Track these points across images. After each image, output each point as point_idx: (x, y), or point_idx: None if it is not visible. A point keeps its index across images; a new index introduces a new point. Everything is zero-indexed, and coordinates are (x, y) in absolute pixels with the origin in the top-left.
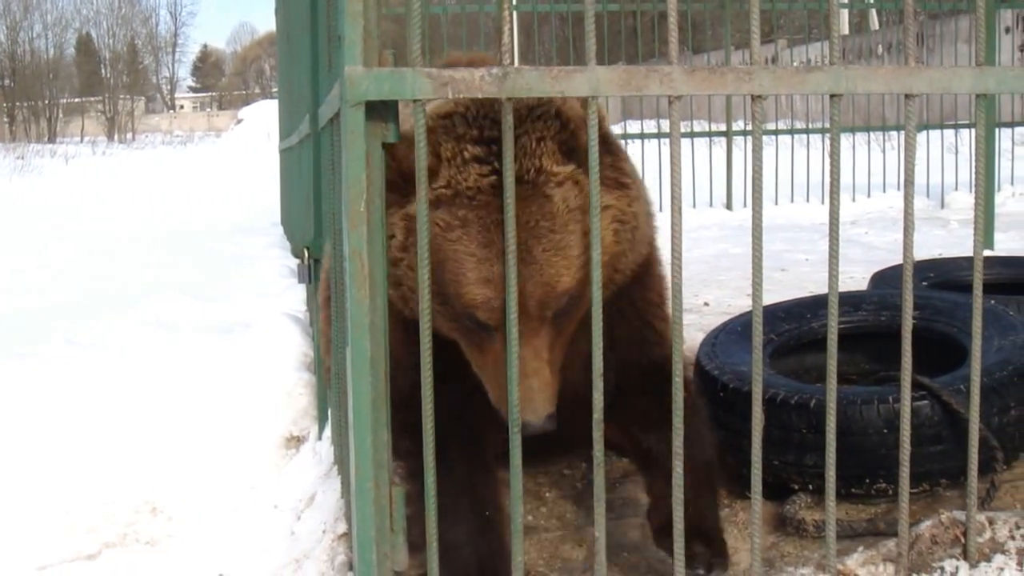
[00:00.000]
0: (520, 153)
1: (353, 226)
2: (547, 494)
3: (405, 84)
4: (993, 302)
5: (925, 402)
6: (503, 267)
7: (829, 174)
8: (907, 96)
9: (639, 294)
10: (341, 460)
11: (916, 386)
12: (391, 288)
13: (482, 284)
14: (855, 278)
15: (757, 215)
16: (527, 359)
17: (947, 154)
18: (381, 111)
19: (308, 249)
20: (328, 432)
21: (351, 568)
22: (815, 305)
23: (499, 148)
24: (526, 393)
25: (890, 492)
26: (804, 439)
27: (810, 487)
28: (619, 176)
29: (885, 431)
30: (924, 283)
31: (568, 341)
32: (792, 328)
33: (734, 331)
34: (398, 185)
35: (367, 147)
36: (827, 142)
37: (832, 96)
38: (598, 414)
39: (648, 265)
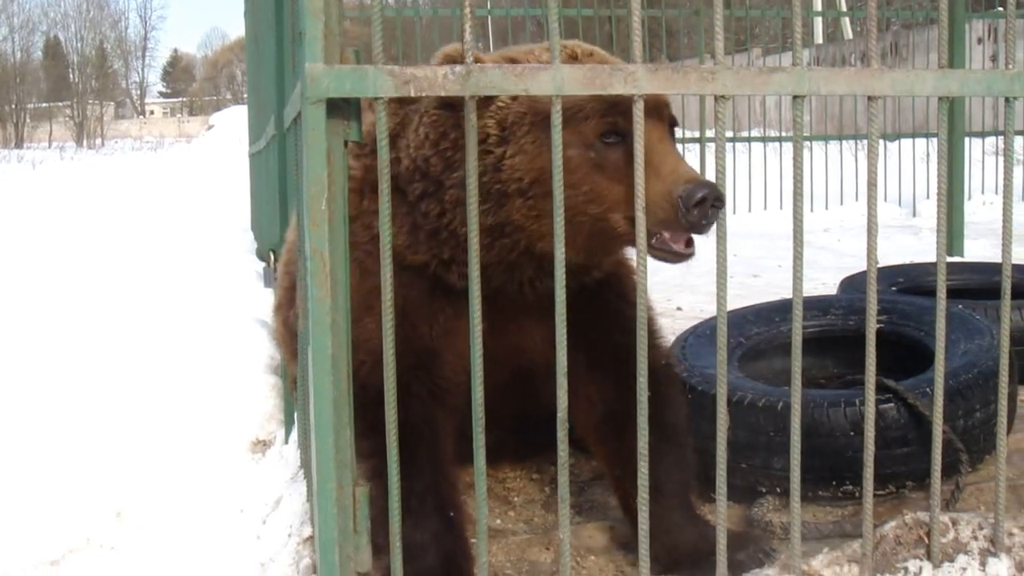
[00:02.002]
0: None
1: (315, 225)
2: (515, 498)
3: (367, 82)
4: (960, 306)
5: (891, 405)
6: None
7: (793, 175)
8: (870, 98)
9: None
10: (307, 463)
11: (882, 389)
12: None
13: None
14: (827, 284)
15: (722, 215)
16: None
17: (919, 163)
18: (343, 109)
19: (274, 252)
20: (295, 436)
21: (315, 571)
22: (784, 308)
23: None
24: (685, 171)
25: (856, 494)
26: (771, 442)
27: (778, 490)
28: None
29: (851, 433)
30: (893, 288)
31: None
32: (761, 331)
33: (703, 334)
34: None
35: (328, 145)
36: (795, 161)
37: (795, 97)
38: (562, 413)
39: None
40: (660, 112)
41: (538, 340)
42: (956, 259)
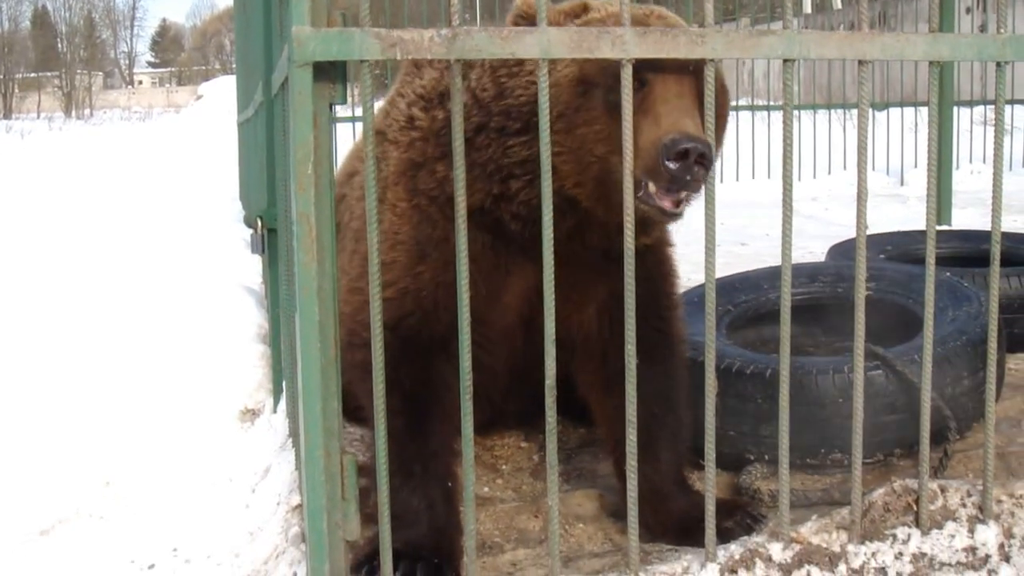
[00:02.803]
0: None
1: (301, 189)
2: (503, 466)
3: (353, 45)
4: (948, 274)
5: (879, 372)
6: None
7: (783, 139)
8: (860, 62)
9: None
10: (296, 432)
11: (870, 356)
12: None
13: None
14: (814, 252)
15: (711, 180)
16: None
17: (907, 133)
18: (329, 72)
19: (261, 218)
20: (283, 405)
21: (304, 539)
22: (771, 276)
23: None
24: (682, 122)
25: (845, 462)
26: (759, 409)
27: (766, 457)
28: None
29: (840, 401)
30: (881, 256)
31: None
32: (749, 299)
33: (691, 302)
34: None
35: (315, 108)
36: (784, 125)
37: (785, 61)
38: (550, 380)
39: None
40: (689, 69)
41: (589, 299)
42: (944, 228)
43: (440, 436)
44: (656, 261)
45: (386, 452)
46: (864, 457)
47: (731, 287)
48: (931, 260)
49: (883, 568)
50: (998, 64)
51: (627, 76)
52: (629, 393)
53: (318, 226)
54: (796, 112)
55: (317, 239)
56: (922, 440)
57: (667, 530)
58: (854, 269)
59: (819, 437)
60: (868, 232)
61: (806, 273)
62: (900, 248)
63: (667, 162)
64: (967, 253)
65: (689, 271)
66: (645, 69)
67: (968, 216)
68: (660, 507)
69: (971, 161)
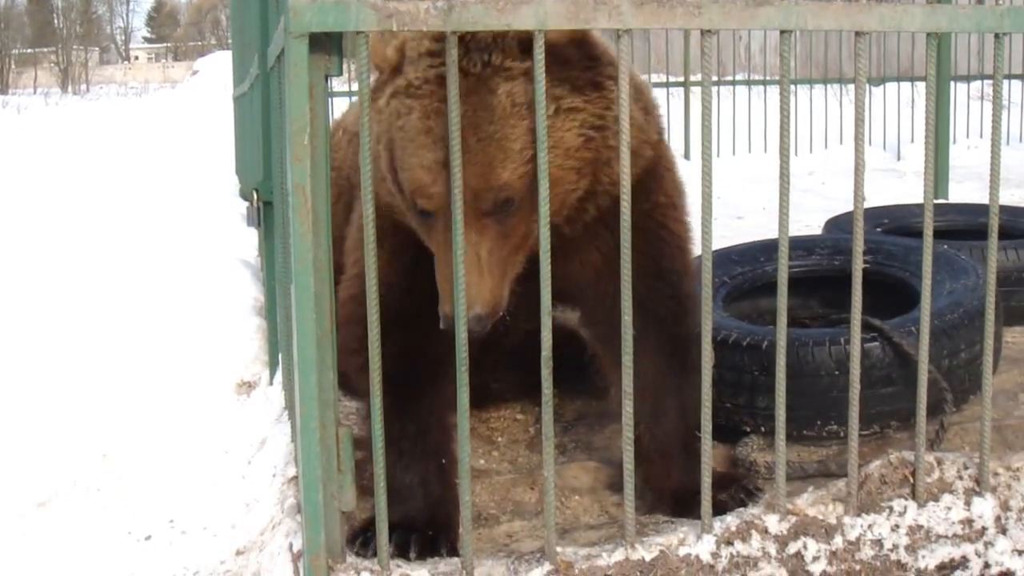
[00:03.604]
0: (472, 47)
1: (297, 160)
2: (499, 438)
3: (349, 15)
4: (946, 247)
5: (876, 344)
6: (439, 153)
7: (780, 110)
8: (858, 34)
9: (645, 198)
10: (292, 405)
11: (867, 328)
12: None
13: (420, 169)
14: (811, 226)
15: (707, 148)
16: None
17: (904, 108)
18: (325, 44)
19: (257, 191)
20: (279, 377)
21: (300, 510)
22: (769, 248)
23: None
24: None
25: (841, 434)
26: (756, 381)
27: (762, 429)
28: (595, 77)
29: (836, 373)
30: (878, 229)
31: (521, 248)
32: (746, 271)
33: None
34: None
35: (311, 79)
36: (781, 96)
37: (782, 32)
38: (547, 352)
39: (653, 168)
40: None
41: (584, 264)
42: (942, 201)
43: (429, 412)
44: (658, 224)
45: (382, 425)
46: (860, 429)
47: (727, 259)
48: (928, 233)
49: (879, 540)
50: (996, 36)
51: (625, 47)
52: (625, 364)
53: (313, 197)
54: (792, 87)
55: (313, 210)
56: (919, 413)
57: (663, 497)
58: (851, 241)
59: (815, 409)
60: (865, 206)
61: (803, 246)
62: (897, 221)
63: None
64: (964, 226)
65: None
66: (431, 207)
67: (965, 190)
68: (662, 471)
69: (968, 136)
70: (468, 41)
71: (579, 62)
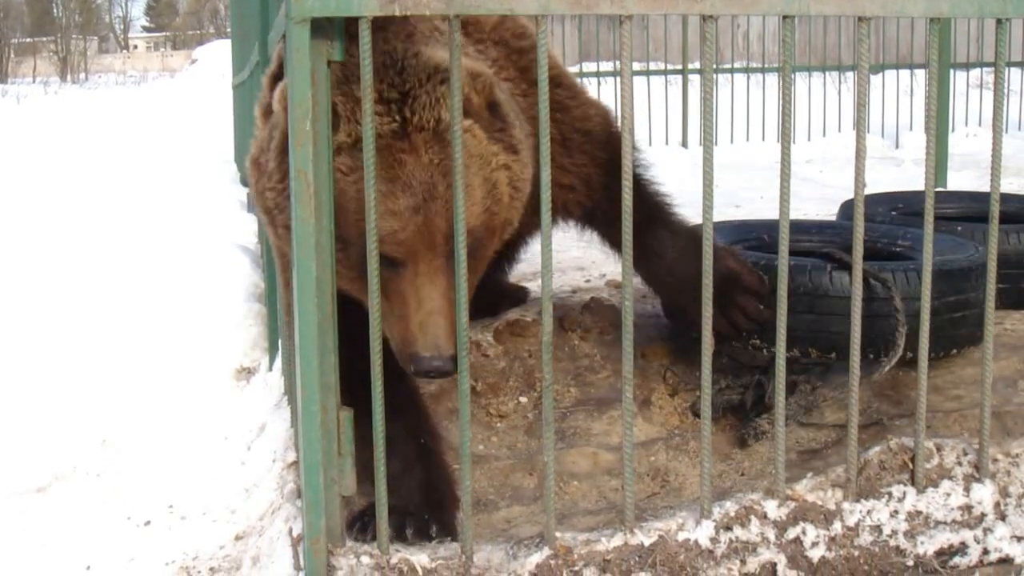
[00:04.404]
0: (420, 107)
1: (299, 144)
2: (498, 424)
3: (351, 0)
4: (960, 228)
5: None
6: (409, 199)
7: (781, 95)
8: (860, 19)
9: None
10: (291, 390)
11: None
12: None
13: (388, 216)
14: (808, 215)
15: (707, 134)
16: (434, 296)
17: (903, 96)
18: (327, 29)
19: None
20: (279, 363)
21: (300, 495)
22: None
23: (399, 103)
24: (431, 329)
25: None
26: None
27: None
28: (512, 142)
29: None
30: (893, 213)
31: (474, 288)
32: (750, 240)
33: None
34: None
35: (313, 65)
36: (783, 82)
37: (784, 17)
38: (547, 338)
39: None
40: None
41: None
42: (954, 188)
43: (400, 399)
44: None
45: (382, 408)
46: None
47: (736, 231)
48: (929, 219)
49: (878, 526)
50: (999, 21)
51: (627, 34)
52: (626, 348)
53: (316, 182)
54: (792, 74)
55: (315, 195)
56: (919, 399)
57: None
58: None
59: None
60: (871, 192)
61: (815, 227)
62: (911, 206)
63: (413, 373)
64: (976, 212)
65: None
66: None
67: (964, 178)
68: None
69: (967, 124)
70: (413, 103)
71: (496, 124)
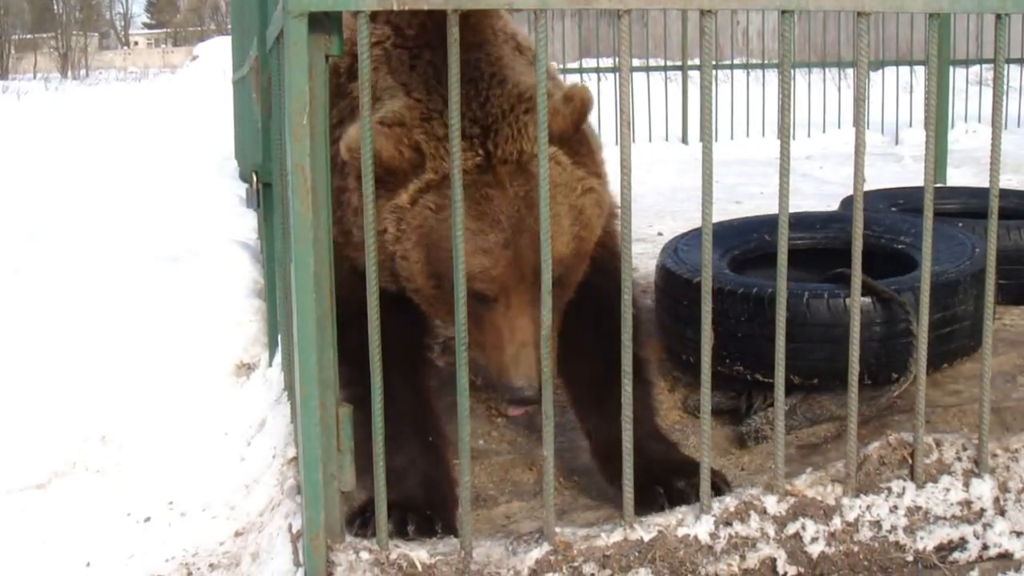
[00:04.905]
0: (503, 139)
1: (296, 139)
2: (498, 419)
3: None
4: (961, 224)
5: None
6: (499, 235)
7: (780, 90)
8: (860, 14)
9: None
10: (291, 386)
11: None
12: (387, 281)
13: (479, 254)
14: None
15: (707, 130)
16: (526, 327)
17: (902, 92)
18: (324, 24)
19: (256, 172)
20: (279, 359)
21: (300, 491)
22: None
23: (482, 138)
24: (523, 360)
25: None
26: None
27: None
28: (598, 168)
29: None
30: (894, 208)
31: (562, 316)
32: (751, 241)
33: (694, 240)
34: (382, 179)
35: (310, 59)
36: (782, 78)
37: (783, 12)
38: (546, 331)
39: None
40: (522, 273)
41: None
42: (955, 184)
43: (406, 396)
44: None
45: (382, 406)
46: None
47: (732, 230)
48: (929, 214)
49: (878, 521)
50: (998, 16)
51: (625, 28)
52: (625, 342)
53: (313, 176)
54: (791, 70)
55: (312, 189)
56: (918, 395)
57: (650, 472)
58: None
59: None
60: (875, 188)
61: (816, 219)
62: (912, 202)
63: (507, 403)
64: (977, 208)
65: (682, 227)
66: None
67: (963, 175)
68: (640, 458)
69: (966, 120)
70: (496, 137)
71: (584, 148)
